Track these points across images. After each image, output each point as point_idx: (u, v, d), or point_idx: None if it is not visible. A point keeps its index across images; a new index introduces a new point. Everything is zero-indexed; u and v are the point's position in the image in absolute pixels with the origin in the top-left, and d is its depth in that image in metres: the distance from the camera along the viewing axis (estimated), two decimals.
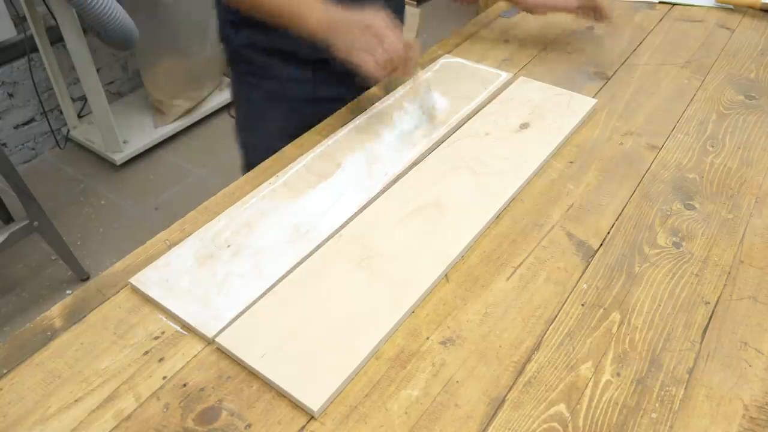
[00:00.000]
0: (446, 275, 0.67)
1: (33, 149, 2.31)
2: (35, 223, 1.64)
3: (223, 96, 2.53)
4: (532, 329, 0.62)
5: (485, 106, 0.92)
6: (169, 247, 0.70)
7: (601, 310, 0.64)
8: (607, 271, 0.68)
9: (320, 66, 0.93)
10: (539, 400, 0.55)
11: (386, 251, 0.68)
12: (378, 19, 0.76)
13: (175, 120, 2.38)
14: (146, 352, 0.59)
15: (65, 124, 2.34)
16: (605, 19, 1.02)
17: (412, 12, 1.73)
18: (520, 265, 0.68)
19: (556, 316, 0.63)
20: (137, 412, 0.54)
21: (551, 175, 0.81)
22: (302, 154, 0.82)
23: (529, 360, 0.59)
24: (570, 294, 0.65)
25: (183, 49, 2.26)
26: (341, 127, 0.87)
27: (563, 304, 0.64)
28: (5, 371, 0.58)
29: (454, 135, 0.86)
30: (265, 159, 0.84)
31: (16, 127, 2.23)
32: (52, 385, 0.57)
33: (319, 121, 0.91)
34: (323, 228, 0.71)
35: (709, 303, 0.64)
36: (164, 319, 0.62)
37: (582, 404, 0.55)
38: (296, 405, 0.55)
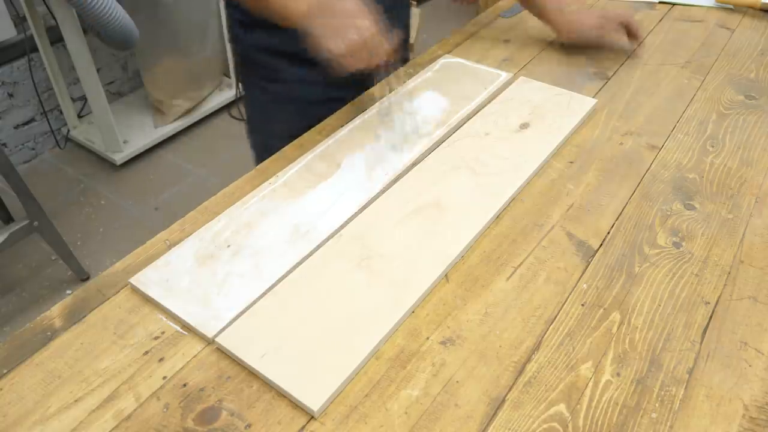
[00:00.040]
0: (446, 275, 0.67)
1: (33, 149, 2.31)
2: (35, 223, 1.64)
3: (223, 96, 2.53)
4: (532, 329, 0.62)
5: (485, 106, 0.92)
6: (169, 247, 0.70)
7: (601, 310, 0.64)
8: (607, 271, 0.68)
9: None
10: (539, 400, 0.55)
11: (386, 251, 0.68)
12: (361, 8, 0.74)
13: (175, 120, 2.38)
14: (146, 352, 0.59)
15: (65, 124, 2.34)
16: (635, 40, 1.06)
17: (412, 12, 1.73)
18: (520, 265, 0.68)
19: (556, 316, 0.63)
20: (137, 412, 0.54)
21: (551, 175, 0.81)
22: (302, 154, 0.82)
23: (529, 360, 0.59)
24: (570, 294, 0.65)
25: (183, 49, 2.26)
26: (341, 127, 0.87)
27: (563, 304, 0.64)
28: (5, 371, 0.58)
29: (454, 135, 0.86)
30: None
31: (16, 127, 2.23)
32: (52, 385, 0.57)
33: None
34: (323, 228, 0.71)
35: (709, 303, 0.64)
36: (164, 319, 0.62)
37: (582, 404, 0.55)
38: (296, 405, 0.55)
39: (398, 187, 0.77)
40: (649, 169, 0.82)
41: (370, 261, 0.67)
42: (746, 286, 0.66)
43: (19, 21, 1.97)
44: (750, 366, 0.58)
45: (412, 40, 1.44)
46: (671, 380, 0.57)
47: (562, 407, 0.55)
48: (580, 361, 0.59)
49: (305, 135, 0.88)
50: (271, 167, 0.82)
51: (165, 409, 0.55)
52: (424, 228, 0.71)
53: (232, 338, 0.59)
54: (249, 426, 0.53)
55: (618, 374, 0.58)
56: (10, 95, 2.16)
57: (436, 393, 0.56)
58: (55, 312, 0.63)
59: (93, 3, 1.67)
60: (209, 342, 0.60)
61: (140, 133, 2.32)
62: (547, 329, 0.62)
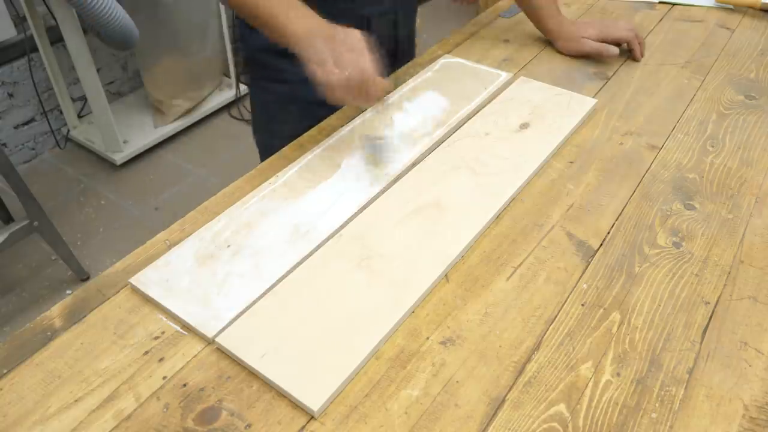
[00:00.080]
0: (446, 275, 0.67)
1: (33, 149, 2.31)
2: (35, 223, 1.64)
3: (223, 96, 2.53)
4: (532, 329, 0.62)
5: (485, 106, 0.92)
6: (169, 247, 0.70)
7: (601, 310, 0.64)
8: (607, 271, 0.68)
9: None
10: (539, 400, 0.55)
11: (386, 251, 0.68)
12: (356, 36, 0.72)
13: (175, 120, 2.38)
14: (146, 352, 0.59)
15: (65, 124, 2.34)
16: (636, 59, 1.06)
17: None
18: (520, 265, 0.68)
19: (556, 316, 0.63)
20: (137, 412, 0.54)
21: (551, 175, 0.81)
22: (302, 154, 0.82)
23: (529, 360, 0.59)
24: (570, 294, 0.65)
25: (183, 49, 2.26)
26: (341, 127, 0.87)
27: (563, 304, 0.64)
28: (5, 371, 0.58)
29: (454, 135, 0.86)
30: None
31: (16, 127, 2.23)
32: (52, 385, 0.57)
33: None
34: (323, 228, 0.71)
35: (709, 303, 0.64)
36: (164, 319, 0.62)
37: (582, 404, 0.55)
38: (296, 405, 0.55)
39: (398, 187, 0.77)
40: (649, 169, 0.82)
41: (370, 261, 0.67)
42: (746, 286, 0.66)
43: (19, 21, 1.97)
44: (750, 366, 0.58)
45: None
46: (671, 380, 0.57)
47: (562, 407, 0.55)
48: (580, 361, 0.59)
49: (305, 135, 0.88)
50: (271, 167, 0.82)
51: (165, 409, 0.55)
52: (424, 228, 0.71)
53: (232, 338, 0.59)
54: (249, 426, 0.53)
55: (618, 374, 0.58)
56: (10, 95, 2.16)
57: (436, 393, 0.56)
58: (55, 312, 0.63)
59: (93, 3, 1.67)
60: (209, 342, 0.60)
61: (140, 133, 2.32)
62: (547, 329, 0.62)
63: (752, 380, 0.57)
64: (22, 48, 2.08)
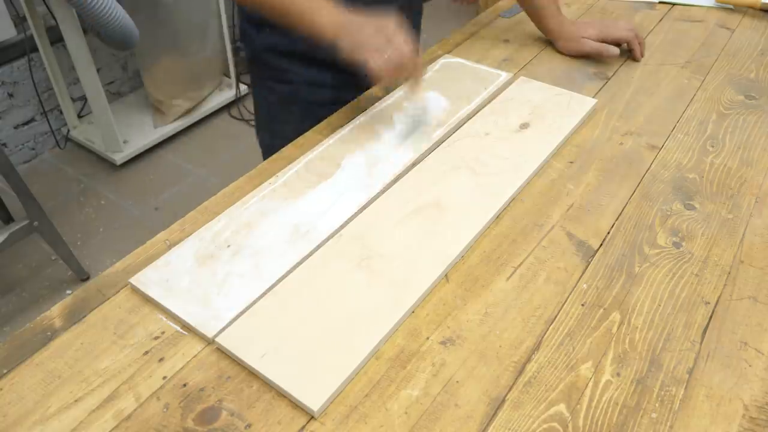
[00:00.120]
0: (446, 275, 0.67)
1: (33, 149, 2.31)
2: (35, 223, 1.64)
3: (223, 96, 2.53)
4: (532, 329, 0.62)
5: (485, 106, 0.92)
6: (169, 247, 0.70)
7: (601, 310, 0.64)
8: (607, 271, 0.68)
9: (340, 69, 0.94)
10: (539, 400, 0.55)
11: (386, 251, 0.68)
12: (389, 21, 0.76)
13: (175, 120, 2.38)
14: (146, 352, 0.59)
15: (65, 124, 2.34)
16: (636, 59, 1.06)
17: None
18: (520, 265, 0.68)
19: (556, 316, 0.63)
20: (137, 412, 0.54)
21: (551, 175, 0.81)
22: (302, 154, 0.82)
23: (529, 360, 0.59)
24: (570, 294, 0.65)
25: (183, 49, 2.26)
26: (341, 127, 0.87)
27: (563, 304, 0.64)
28: (5, 371, 0.58)
29: (454, 135, 0.86)
30: None
31: (16, 127, 2.23)
32: (52, 385, 0.57)
33: None
34: (323, 228, 0.71)
35: (709, 303, 0.64)
36: (164, 319, 0.62)
37: (582, 404, 0.55)
38: (296, 405, 0.55)
39: (398, 187, 0.77)
40: (649, 169, 0.82)
41: (370, 261, 0.67)
42: (746, 286, 0.66)
43: (19, 21, 1.97)
44: (750, 366, 0.58)
45: None
46: (671, 380, 0.57)
47: (562, 407, 0.55)
48: (580, 361, 0.59)
49: (305, 135, 0.88)
50: (271, 167, 0.82)
51: (165, 409, 0.55)
52: (424, 228, 0.71)
53: (232, 338, 0.59)
54: (249, 426, 0.53)
55: (618, 374, 0.58)
56: (10, 95, 2.16)
57: (436, 393, 0.56)
58: (55, 312, 0.63)
59: (93, 3, 1.67)
60: (209, 342, 0.60)
61: (140, 133, 2.32)
62: (547, 329, 0.62)
63: (752, 380, 0.57)
64: (22, 48, 2.08)
